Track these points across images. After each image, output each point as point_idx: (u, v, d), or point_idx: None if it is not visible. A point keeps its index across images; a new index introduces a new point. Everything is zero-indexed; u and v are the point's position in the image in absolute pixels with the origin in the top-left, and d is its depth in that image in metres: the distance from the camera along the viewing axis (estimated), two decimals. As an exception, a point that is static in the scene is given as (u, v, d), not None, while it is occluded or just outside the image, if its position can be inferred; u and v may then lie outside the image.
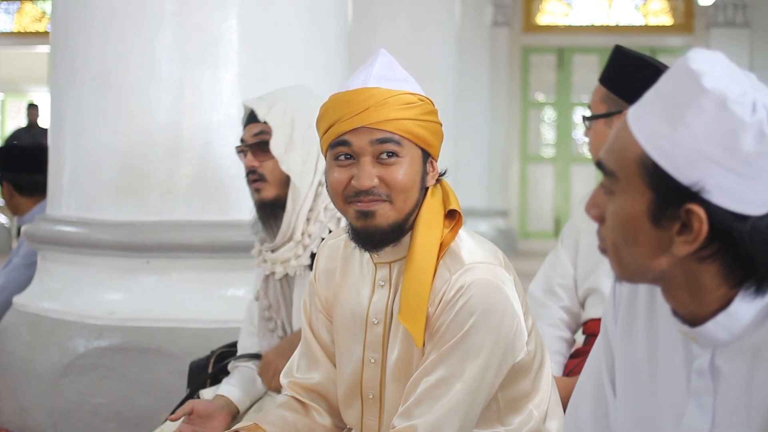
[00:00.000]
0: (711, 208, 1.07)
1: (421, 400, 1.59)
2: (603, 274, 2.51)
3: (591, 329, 2.56)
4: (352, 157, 1.62)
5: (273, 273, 2.29)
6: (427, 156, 1.67)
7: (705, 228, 1.08)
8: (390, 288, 1.69)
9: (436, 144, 1.67)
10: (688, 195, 1.07)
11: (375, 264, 1.71)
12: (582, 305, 2.60)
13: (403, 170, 1.61)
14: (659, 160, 1.08)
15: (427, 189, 1.67)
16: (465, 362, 1.57)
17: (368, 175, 1.60)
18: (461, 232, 1.67)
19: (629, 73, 2.42)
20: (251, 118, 2.25)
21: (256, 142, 2.22)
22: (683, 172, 1.07)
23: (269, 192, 2.22)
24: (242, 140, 2.27)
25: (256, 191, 2.24)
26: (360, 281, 1.74)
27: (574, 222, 2.69)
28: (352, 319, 1.74)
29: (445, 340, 1.59)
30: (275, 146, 2.19)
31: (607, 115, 2.43)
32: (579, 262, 2.61)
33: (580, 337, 2.65)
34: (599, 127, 2.45)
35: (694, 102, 1.07)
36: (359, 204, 1.62)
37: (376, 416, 1.73)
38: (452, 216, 1.66)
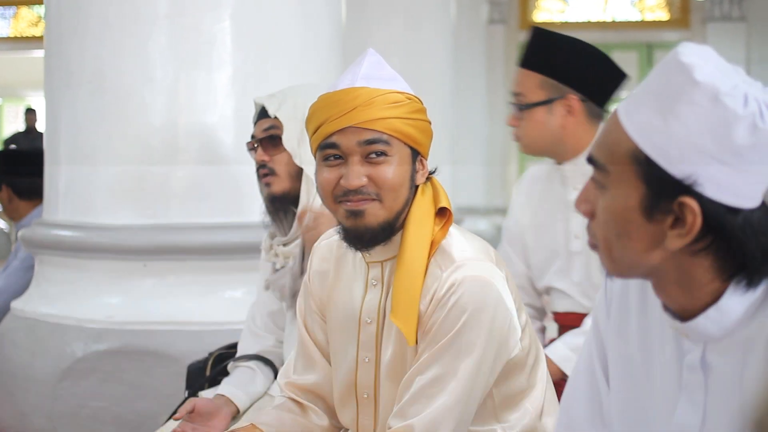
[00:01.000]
0: (704, 201, 1.07)
1: (416, 399, 1.59)
2: (554, 274, 2.49)
3: (561, 321, 2.55)
4: (341, 157, 1.63)
5: (284, 267, 2.30)
6: (417, 154, 1.66)
7: (698, 221, 1.07)
8: (382, 287, 1.69)
9: (426, 142, 1.67)
10: (681, 188, 1.07)
11: (367, 263, 1.71)
12: (547, 293, 2.57)
13: (392, 169, 1.61)
14: (652, 153, 1.08)
15: (417, 187, 1.67)
16: (458, 360, 1.57)
17: (357, 174, 1.60)
18: (452, 229, 1.67)
19: (563, 56, 2.34)
20: (262, 114, 2.27)
21: (267, 137, 2.24)
22: (676, 166, 1.07)
23: (279, 186, 2.23)
24: (253, 136, 2.29)
25: (266, 185, 2.25)
26: (353, 281, 1.74)
27: (517, 219, 2.61)
28: (345, 318, 1.74)
29: (437, 338, 1.59)
30: (288, 141, 2.20)
31: (549, 102, 2.36)
32: (532, 260, 2.57)
33: (552, 328, 2.63)
34: (539, 115, 2.37)
35: (686, 95, 1.07)
36: (349, 203, 1.62)
37: (371, 416, 1.73)
38: (443, 214, 1.66)
